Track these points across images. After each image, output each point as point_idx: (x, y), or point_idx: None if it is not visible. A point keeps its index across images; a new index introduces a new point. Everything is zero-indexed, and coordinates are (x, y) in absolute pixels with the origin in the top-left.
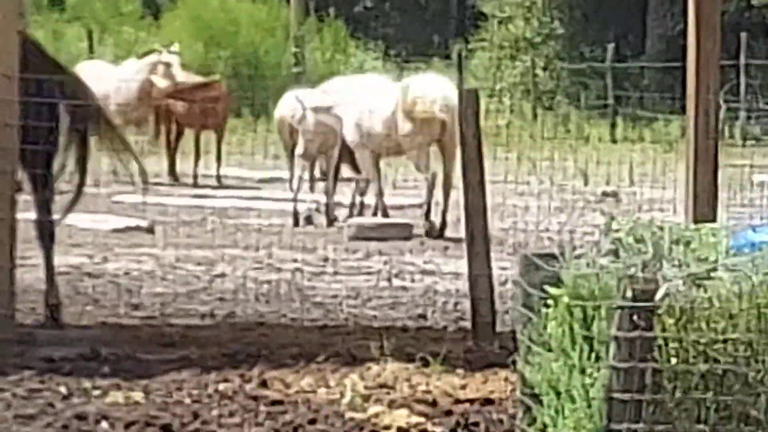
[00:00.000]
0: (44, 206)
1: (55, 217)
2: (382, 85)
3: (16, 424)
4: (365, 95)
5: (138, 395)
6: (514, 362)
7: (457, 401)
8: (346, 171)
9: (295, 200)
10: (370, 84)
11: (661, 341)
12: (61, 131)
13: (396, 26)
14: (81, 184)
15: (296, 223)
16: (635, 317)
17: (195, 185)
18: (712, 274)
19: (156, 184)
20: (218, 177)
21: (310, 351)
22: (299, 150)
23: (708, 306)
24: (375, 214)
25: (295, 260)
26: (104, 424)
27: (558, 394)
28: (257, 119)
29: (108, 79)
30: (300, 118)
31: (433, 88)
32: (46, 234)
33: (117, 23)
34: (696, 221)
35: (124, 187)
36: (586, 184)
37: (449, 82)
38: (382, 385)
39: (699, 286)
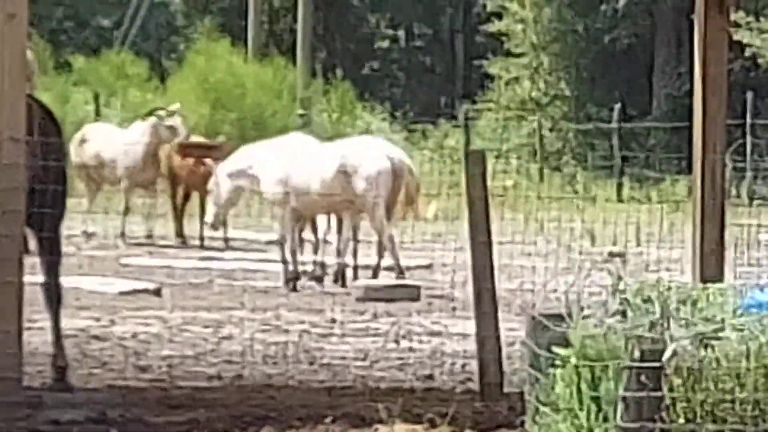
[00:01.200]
0: (51, 269)
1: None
2: (310, 144)
3: None
4: (293, 154)
5: None
6: (522, 423)
7: None
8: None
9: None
10: (298, 143)
11: (668, 401)
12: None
13: (403, 87)
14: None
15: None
16: (643, 377)
17: (202, 247)
18: (720, 334)
19: (163, 246)
20: (225, 239)
21: (318, 413)
22: (209, 217)
23: (716, 366)
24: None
25: (303, 322)
26: None
27: None
28: None
29: (115, 142)
30: (213, 184)
31: (372, 150)
32: (53, 297)
33: (123, 86)
34: (703, 281)
35: (132, 250)
36: (593, 244)
37: (386, 142)
38: None
39: (706, 345)
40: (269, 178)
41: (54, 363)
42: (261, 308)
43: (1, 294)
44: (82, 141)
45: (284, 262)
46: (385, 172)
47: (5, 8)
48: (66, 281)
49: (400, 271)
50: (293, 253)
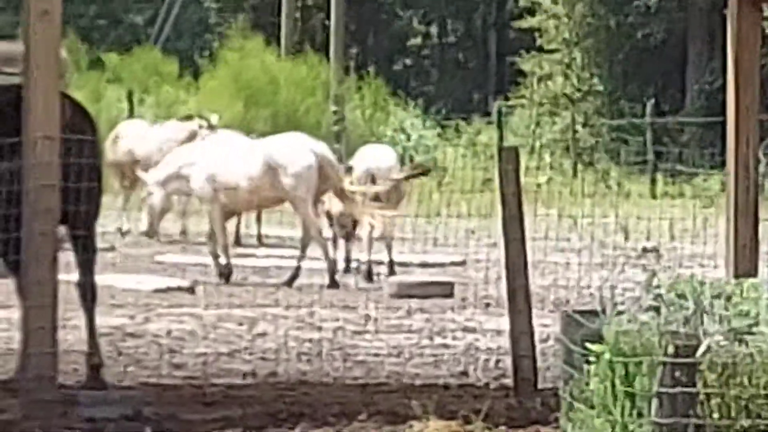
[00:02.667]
0: (86, 267)
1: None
2: (239, 141)
3: None
4: (220, 152)
5: None
6: (556, 419)
7: None
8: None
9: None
10: (226, 141)
11: (703, 397)
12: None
13: (436, 84)
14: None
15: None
16: (677, 373)
17: (237, 244)
18: (754, 329)
19: (197, 243)
20: (259, 236)
21: (352, 410)
22: (143, 226)
23: (750, 361)
24: (226, 276)
25: (337, 319)
26: None
27: None
28: None
29: (149, 139)
30: (146, 195)
31: (297, 146)
32: (88, 295)
33: (156, 84)
34: (737, 276)
35: (166, 247)
36: (626, 240)
37: (312, 139)
38: None
39: (740, 341)
40: (198, 176)
41: (89, 361)
42: (295, 305)
43: (36, 292)
44: (116, 138)
45: (215, 257)
46: (310, 167)
47: (38, 6)
48: (100, 279)
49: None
50: (225, 248)
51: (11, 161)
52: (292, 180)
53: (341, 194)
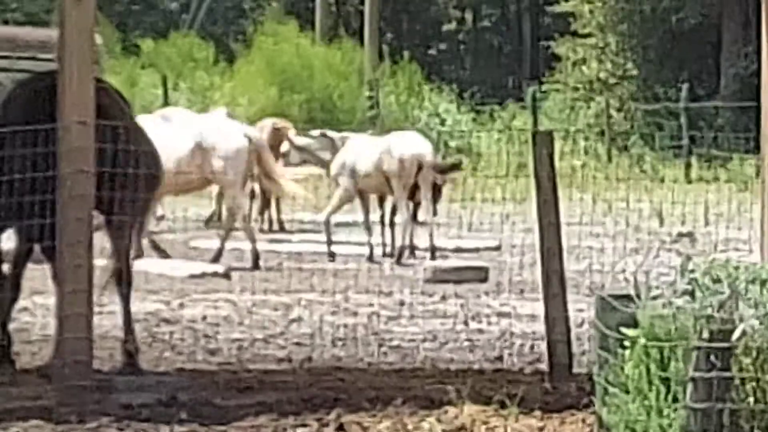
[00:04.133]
0: (122, 253)
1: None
2: (167, 124)
3: None
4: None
5: None
6: (591, 404)
7: None
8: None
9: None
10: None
11: (738, 381)
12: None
13: (470, 69)
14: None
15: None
16: (712, 357)
17: (270, 230)
18: None
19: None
20: (280, 222)
21: (387, 394)
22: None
23: None
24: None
25: (372, 304)
26: None
27: None
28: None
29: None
30: None
31: (228, 128)
32: (123, 280)
33: (191, 69)
34: None
35: (200, 233)
36: (661, 224)
37: (238, 122)
38: (459, 428)
39: None
40: None
41: (124, 346)
42: (330, 290)
43: (72, 277)
44: None
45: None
46: (242, 150)
47: None
48: (135, 264)
49: (256, 257)
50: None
51: (46, 147)
52: (222, 162)
53: (269, 179)
